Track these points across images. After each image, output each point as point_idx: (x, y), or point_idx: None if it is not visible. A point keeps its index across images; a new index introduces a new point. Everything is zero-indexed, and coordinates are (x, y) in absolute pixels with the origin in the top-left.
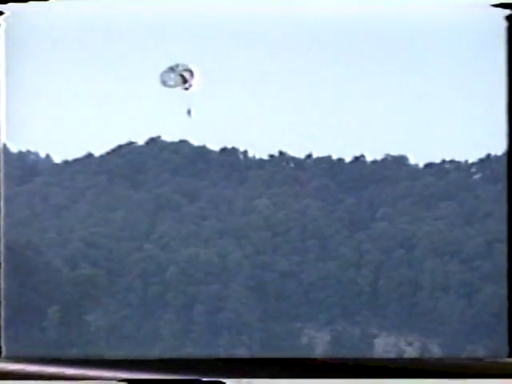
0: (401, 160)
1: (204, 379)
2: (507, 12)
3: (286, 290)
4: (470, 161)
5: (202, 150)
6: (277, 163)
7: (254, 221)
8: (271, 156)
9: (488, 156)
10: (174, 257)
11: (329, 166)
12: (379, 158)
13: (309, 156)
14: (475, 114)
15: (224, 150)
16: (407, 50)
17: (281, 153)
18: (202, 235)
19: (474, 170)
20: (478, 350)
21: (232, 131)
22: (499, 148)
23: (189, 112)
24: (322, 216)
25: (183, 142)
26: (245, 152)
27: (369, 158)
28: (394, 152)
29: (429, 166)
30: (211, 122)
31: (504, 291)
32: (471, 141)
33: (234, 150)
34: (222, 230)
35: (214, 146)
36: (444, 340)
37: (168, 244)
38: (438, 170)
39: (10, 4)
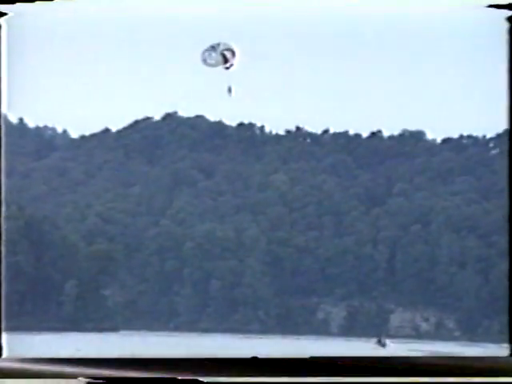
0: (418, 135)
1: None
2: (509, 13)
3: (302, 265)
4: (488, 136)
5: (219, 126)
6: (293, 138)
7: (270, 196)
8: (288, 131)
9: (506, 131)
10: (191, 232)
11: (346, 142)
12: (396, 133)
13: (326, 131)
14: (490, 91)
15: (241, 125)
16: (419, 42)
17: (298, 128)
18: (219, 211)
19: (491, 145)
20: (494, 326)
21: (249, 107)
22: None
23: (229, 90)
24: (339, 192)
25: (199, 117)
26: (261, 127)
27: (386, 134)
28: (412, 127)
29: (446, 141)
30: (228, 97)
31: None
32: (489, 116)
33: (250, 125)
34: (239, 206)
35: (231, 121)
36: (460, 316)
37: (184, 219)
38: (455, 145)
39: (10, 5)
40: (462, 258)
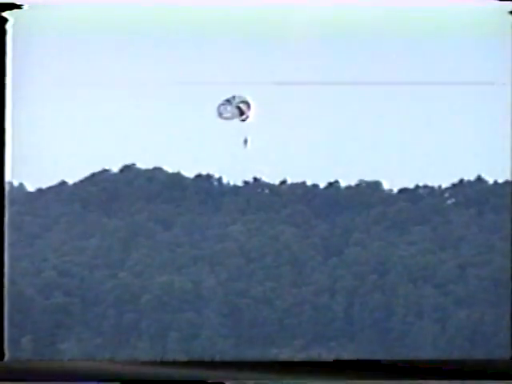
0: (375, 185)
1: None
2: None
3: (260, 316)
4: (443, 186)
5: (177, 177)
6: (251, 189)
7: (228, 247)
8: (246, 182)
9: (461, 181)
10: (149, 284)
11: (303, 192)
12: (353, 183)
13: (283, 182)
14: (446, 139)
15: (198, 176)
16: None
17: (255, 179)
18: (177, 262)
19: (447, 195)
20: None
21: (206, 158)
22: (471, 173)
23: (245, 141)
24: (296, 242)
25: (157, 169)
26: (219, 178)
27: (343, 184)
28: (368, 178)
29: (402, 191)
30: (185, 149)
31: (477, 315)
32: (444, 166)
33: (208, 176)
34: (197, 257)
35: (189, 172)
36: None
37: (142, 272)
38: (411, 195)
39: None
40: (419, 308)
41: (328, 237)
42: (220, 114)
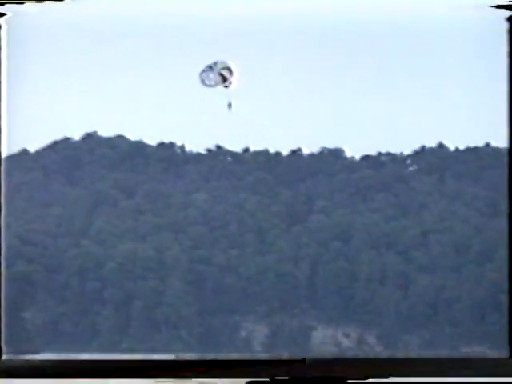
0: (337, 153)
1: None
2: (509, 13)
3: (223, 284)
4: (406, 153)
5: (139, 145)
6: (214, 157)
7: (191, 215)
8: (209, 150)
9: (423, 148)
10: (112, 252)
11: (266, 160)
12: (316, 151)
13: (246, 150)
14: (408, 106)
15: (161, 144)
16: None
17: (218, 147)
18: (140, 230)
19: (409, 162)
20: (413, 340)
21: (169, 126)
22: (433, 140)
23: (229, 105)
24: (260, 210)
25: (120, 137)
26: (182, 146)
27: (306, 152)
28: (331, 145)
29: (365, 158)
30: (148, 117)
31: (439, 281)
32: (406, 133)
33: (171, 144)
34: (160, 225)
35: (151, 140)
36: (380, 331)
37: (105, 240)
38: (373, 162)
39: (10, 5)
40: (382, 274)
41: (291, 204)
42: (202, 81)
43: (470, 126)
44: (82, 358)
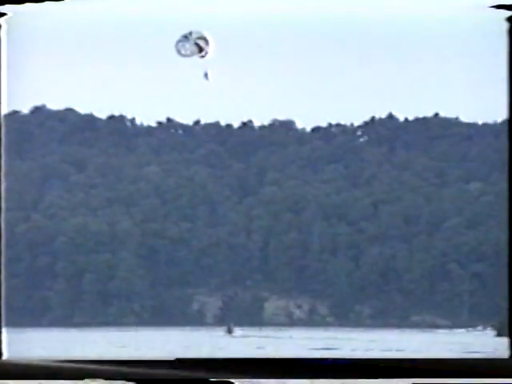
0: (288, 124)
1: (211, 379)
2: (509, 13)
3: (176, 256)
4: (356, 124)
5: (89, 118)
6: (165, 130)
7: (143, 188)
8: (159, 123)
9: (372, 119)
10: (63, 226)
11: (217, 132)
12: (266, 123)
13: (197, 122)
14: (357, 77)
15: (111, 117)
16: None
17: (169, 119)
18: (91, 204)
19: (359, 133)
20: (365, 311)
21: (118, 98)
22: (383, 111)
23: (206, 75)
24: (211, 182)
25: (69, 110)
26: (132, 119)
27: (256, 124)
28: (281, 117)
29: (315, 129)
30: (98, 89)
31: (389, 251)
32: (356, 104)
33: (121, 117)
34: (111, 199)
35: (101, 113)
36: (332, 302)
37: (56, 214)
38: (324, 133)
39: (10, 5)
40: (333, 245)
41: (243, 176)
42: (178, 51)
43: (415, 95)
44: (84, 358)
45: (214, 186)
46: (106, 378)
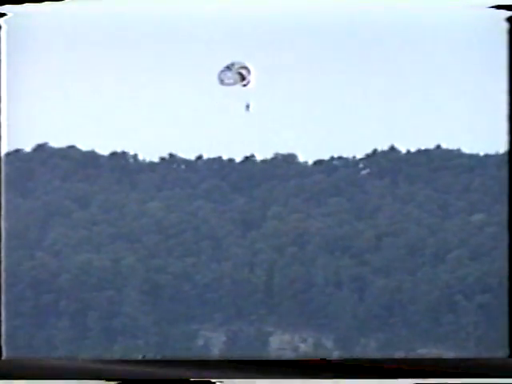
0: (290, 158)
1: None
2: (508, 13)
3: (180, 292)
4: (358, 156)
5: (91, 155)
6: (167, 166)
7: (146, 224)
8: (162, 159)
9: (374, 151)
10: (66, 264)
11: (220, 167)
12: (269, 157)
13: (199, 157)
14: (359, 109)
15: (114, 154)
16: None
17: (171, 155)
18: (94, 241)
19: (361, 165)
20: (370, 343)
21: (121, 135)
22: (385, 143)
23: (247, 107)
24: (214, 217)
25: (71, 148)
26: (135, 155)
27: (259, 158)
28: (283, 151)
29: (318, 163)
30: (99, 126)
31: (394, 284)
32: (358, 137)
33: (123, 153)
34: (114, 235)
35: (103, 150)
36: (337, 335)
37: (60, 251)
38: (326, 166)
39: (10, 5)
40: (337, 278)
41: (246, 211)
42: (221, 81)
43: (418, 127)
44: (83, 358)
45: (217, 220)
46: (107, 379)
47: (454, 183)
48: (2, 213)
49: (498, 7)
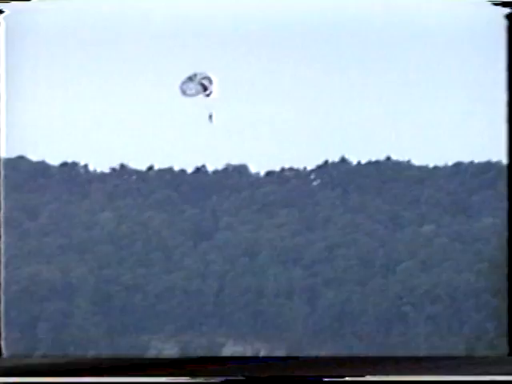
0: (242, 169)
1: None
2: (507, 10)
3: (131, 303)
4: (309, 168)
5: (41, 165)
6: (118, 176)
7: (97, 235)
8: (113, 169)
9: (325, 163)
10: (16, 275)
11: (171, 178)
12: (220, 167)
13: (151, 168)
14: (312, 121)
15: (64, 164)
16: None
17: (122, 165)
18: (44, 252)
19: (312, 176)
20: (321, 354)
21: (71, 145)
22: (336, 155)
23: (210, 117)
24: (166, 227)
25: (21, 158)
26: (85, 166)
27: (210, 168)
28: (235, 161)
29: (269, 174)
30: (49, 136)
31: (344, 295)
32: (309, 148)
33: (74, 164)
34: (65, 246)
35: (54, 160)
36: (289, 346)
37: (9, 262)
38: (278, 177)
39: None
40: (289, 289)
41: (197, 221)
42: (183, 92)
43: (368, 138)
44: (82, 356)
45: (169, 231)
46: (105, 376)
47: (404, 194)
48: None
49: (497, 4)
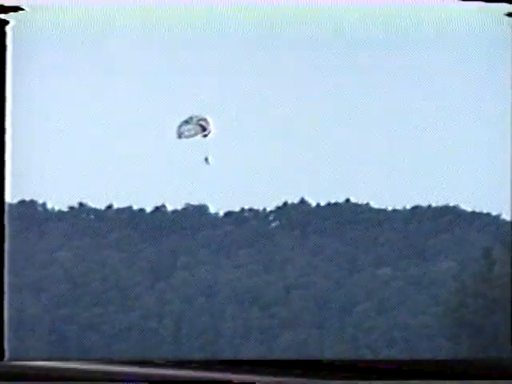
0: (201, 209)
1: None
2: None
3: (86, 342)
4: (268, 209)
5: None
6: (77, 214)
7: (53, 274)
8: (71, 207)
9: (285, 204)
10: None
11: (130, 217)
12: (180, 207)
13: (109, 207)
14: (272, 162)
15: (22, 202)
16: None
17: (80, 204)
18: None
19: (271, 217)
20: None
21: (29, 183)
22: (296, 196)
23: (206, 160)
24: (123, 267)
25: None
26: (43, 204)
27: (169, 208)
28: (195, 201)
29: (228, 214)
30: (6, 173)
31: (301, 336)
32: (269, 189)
33: (32, 202)
34: (20, 285)
35: (11, 198)
36: None
37: None
38: (236, 218)
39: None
40: (246, 330)
41: (155, 261)
42: (181, 134)
43: (327, 180)
44: (85, 361)
45: (126, 270)
46: (108, 380)
47: (362, 237)
48: None
49: (498, 0)
